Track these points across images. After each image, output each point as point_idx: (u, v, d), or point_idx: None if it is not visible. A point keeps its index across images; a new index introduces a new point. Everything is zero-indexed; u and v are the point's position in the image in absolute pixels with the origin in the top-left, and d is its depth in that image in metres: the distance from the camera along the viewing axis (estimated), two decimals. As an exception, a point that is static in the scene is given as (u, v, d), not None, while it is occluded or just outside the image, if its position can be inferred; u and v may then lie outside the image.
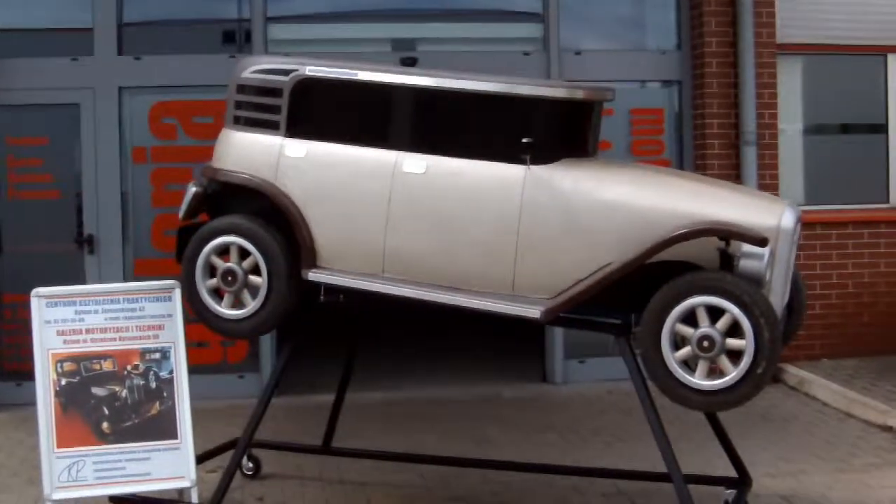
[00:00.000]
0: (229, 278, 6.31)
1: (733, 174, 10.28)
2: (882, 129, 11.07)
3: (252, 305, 6.31)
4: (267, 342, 10.09)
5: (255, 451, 7.71)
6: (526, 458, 8.09)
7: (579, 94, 6.15)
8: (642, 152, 10.56)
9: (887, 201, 10.99)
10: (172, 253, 9.61)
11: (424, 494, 7.45)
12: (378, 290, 6.12)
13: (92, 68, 9.87)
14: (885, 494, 7.29)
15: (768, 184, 10.29)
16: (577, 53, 10.57)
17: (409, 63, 9.69)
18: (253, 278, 6.29)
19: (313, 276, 6.22)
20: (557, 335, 10.62)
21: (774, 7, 10.50)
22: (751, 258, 5.65)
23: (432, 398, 10.11)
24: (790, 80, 10.83)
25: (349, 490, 7.48)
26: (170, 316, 6.72)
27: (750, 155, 10.33)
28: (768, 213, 5.82)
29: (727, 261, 5.75)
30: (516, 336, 11.89)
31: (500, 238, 5.94)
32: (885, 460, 8.04)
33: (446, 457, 7.64)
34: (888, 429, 8.75)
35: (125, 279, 9.63)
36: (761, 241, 5.57)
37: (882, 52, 11.00)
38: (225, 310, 6.39)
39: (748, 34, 10.30)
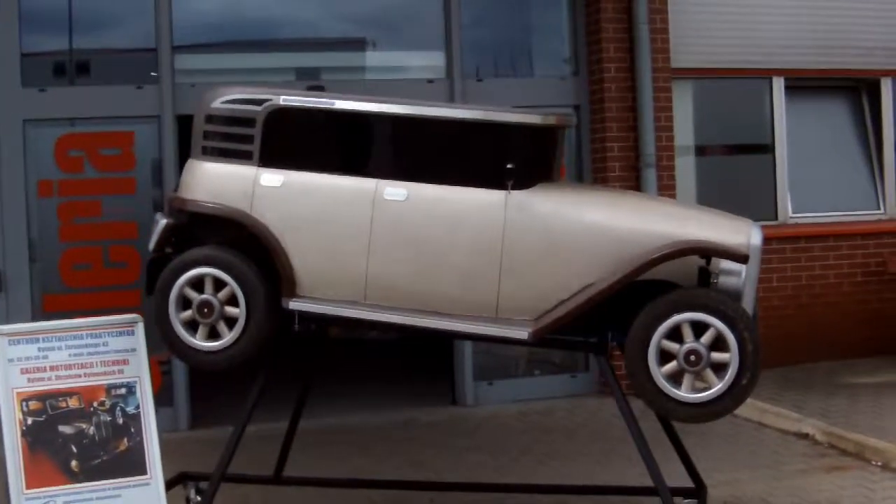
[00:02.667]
0: (205, 310, 6.24)
1: (634, 195, 10.57)
2: (769, 149, 11.59)
3: (229, 336, 6.26)
4: (181, 376, 9.96)
5: (203, 485, 7.60)
6: (465, 478, 8.21)
7: (552, 121, 6.32)
8: (542, 176, 10.77)
9: (776, 218, 11.50)
10: (82, 288, 9.67)
11: (377, 519, 7.50)
12: (362, 317, 6.16)
13: (-5, 101, 9.62)
14: (822, 497, 7.63)
15: (668, 204, 10.66)
16: (479, 80, 10.77)
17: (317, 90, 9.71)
18: (229, 309, 6.24)
19: (294, 304, 6.21)
20: (467, 358, 10.74)
21: (668, 34, 10.88)
22: (729, 275, 5.93)
23: (349, 424, 10.09)
24: (683, 103, 11.24)
25: (302, 518, 7.49)
26: (134, 350, 6.58)
27: (650, 177, 10.67)
28: (738, 232, 6.08)
29: (705, 278, 5.98)
30: (420, 359, 12.06)
31: (483, 262, 6.05)
32: (811, 466, 8.40)
33: (408, 481, 7.70)
34: (804, 436, 9.15)
35: (34, 317, 9.38)
36: (744, 258, 5.83)
37: (767, 75, 11.53)
38: (200, 342, 6.32)
39: (645, 59, 10.67)
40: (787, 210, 11.58)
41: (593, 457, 8.88)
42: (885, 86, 12.09)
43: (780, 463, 8.50)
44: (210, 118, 6.41)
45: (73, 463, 6.35)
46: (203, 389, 10.20)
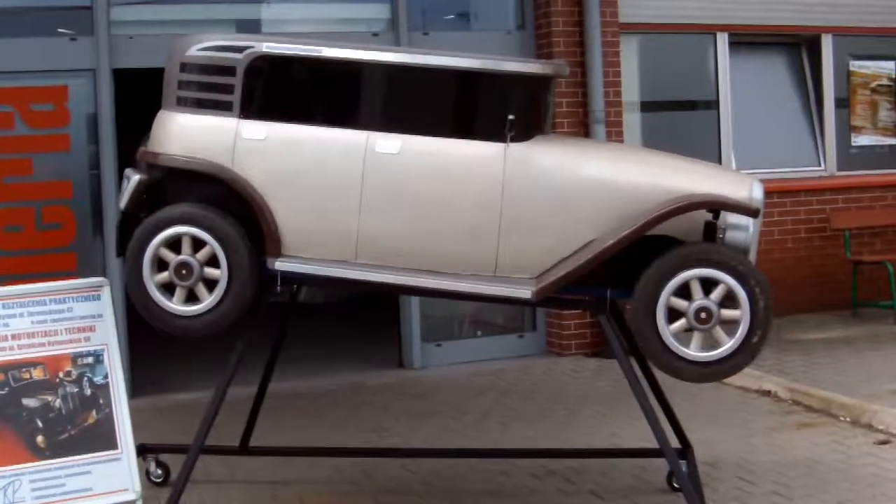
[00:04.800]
0: (183, 272, 5.84)
1: (584, 152, 10.37)
2: (714, 105, 11.50)
3: (209, 300, 5.86)
4: (121, 342, 9.46)
5: (163, 457, 7.25)
6: (431, 444, 8.00)
7: (550, 70, 6.04)
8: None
9: (721, 174, 11.39)
10: (14, 251, 9.18)
11: (353, 490, 7.16)
12: (353, 277, 5.83)
13: (-81, 55, 9.04)
14: (800, 454, 7.52)
15: (617, 160, 10.48)
16: (425, 34, 10.45)
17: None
18: (209, 270, 5.85)
19: (280, 265, 5.84)
20: (414, 319, 10.47)
21: (616, -13, 10.69)
22: (737, 229, 5.73)
23: (296, 390, 9.72)
24: (629, 59, 11.06)
25: (272, 490, 7.13)
26: (100, 316, 6.20)
27: (600, 132, 10.47)
28: (741, 186, 5.88)
29: (711, 233, 5.77)
30: (361, 320, 11.77)
31: (481, 218, 5.75)
32: (781, 423, 8.31)
33: (385, 448, 7.44)
34: (766, 393, 9.08)
35: (-36, 282, 8.85)
36: (755, 212, 5.64)
37: (711, 30, 11.42)
38: (178, 306, 5.92)
39: (594, 14, 10.44)
40: (732, 166, 11.49)
41: (556, 418, 8.69)
42: (826, 42, 12.06)
43: (748, 421, 8.40)
44: (185, 66, 5.97)
45: (39, 438, 5.98)
46: (136, 355, 9.75)
